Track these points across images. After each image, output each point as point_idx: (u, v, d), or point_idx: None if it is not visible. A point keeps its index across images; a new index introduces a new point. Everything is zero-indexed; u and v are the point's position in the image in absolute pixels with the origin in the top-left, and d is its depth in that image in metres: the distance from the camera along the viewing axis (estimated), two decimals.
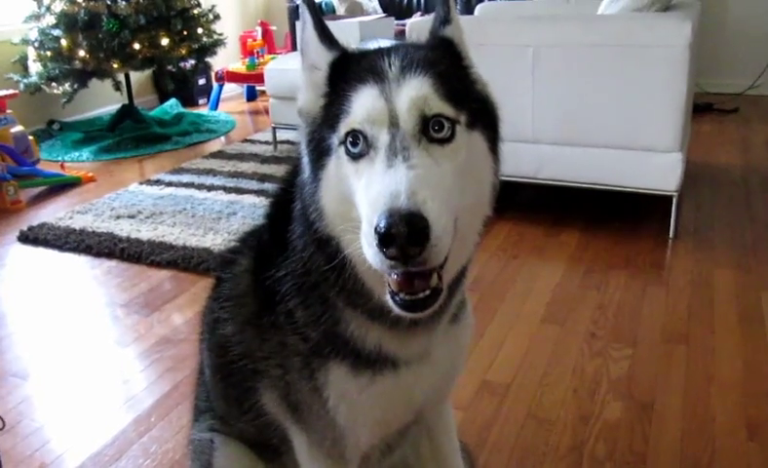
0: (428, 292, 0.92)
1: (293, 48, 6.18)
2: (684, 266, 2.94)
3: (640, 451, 1.88)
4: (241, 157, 4.76)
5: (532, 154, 3.26)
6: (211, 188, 4.09)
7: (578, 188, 3.31)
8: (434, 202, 0.86)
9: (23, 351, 2.56)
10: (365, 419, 1.16)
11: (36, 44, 5.02)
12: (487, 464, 1.85)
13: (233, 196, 3.94)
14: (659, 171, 3.08)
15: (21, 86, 5.04)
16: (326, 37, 1.06)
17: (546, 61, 3.10)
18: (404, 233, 0.82)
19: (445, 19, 1.07)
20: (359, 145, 0.94)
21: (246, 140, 5.26)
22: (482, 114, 1.03)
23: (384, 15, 5.71)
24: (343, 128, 0.96)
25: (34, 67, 5.08)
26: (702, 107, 5.27)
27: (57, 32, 4.94)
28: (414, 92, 0.94)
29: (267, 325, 1.18)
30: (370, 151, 0.94)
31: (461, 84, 1.02)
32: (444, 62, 1.02)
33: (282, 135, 5.03)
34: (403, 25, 5.65)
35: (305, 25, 1.07)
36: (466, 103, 0.98)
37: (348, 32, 4.84)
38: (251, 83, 6.40)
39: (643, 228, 3.33)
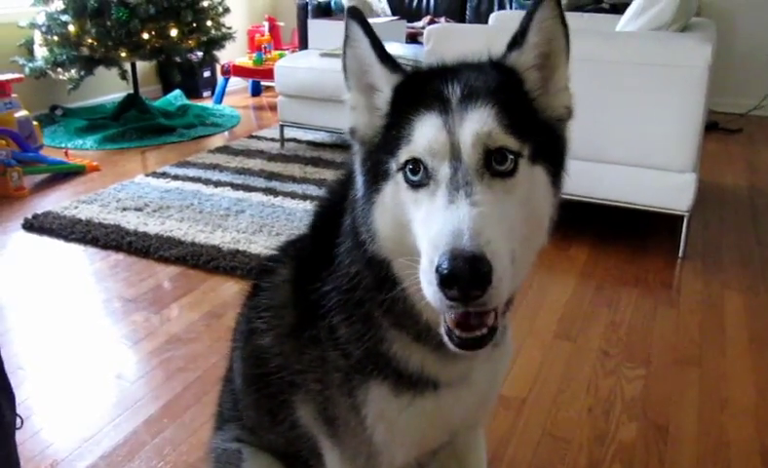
0: (485, 331, 0.92)
1: (302, 45, 6.14)
2: (694, 287, 2.95)
3: None
4: (247, 153, 4.73)
5: None
6: (218, 184, 4.06)
7: (588, 204, 3.31)
8: (496, 243, 0.85)
9: (30, 344, 2.53)
10: (403, 439, 1.16)
11: (43, 28, 4.96)
12: None
13: (241, 193, 3.91)
14: (672, 190, 3.09)
15: (27, 70, 4.98)
16: (388, 59, 1.03)
17: None
18: (467, 276, 0.81)
19: (514, 43, 1.03)
20: (419, 174, 0.93)
21: (251, 136, 5.22)
22: (547, 146, 1.00)
23: (396, 17, 5.69)
24: (403, 155, 0.94)
25: (40, 52, 5.02)
26: (708, 126, 5.28)
27: (65, 18, 4.88)
28: (478, 125, 0.91)
29: (307, 338, 1.17)
30: (430, 183, 0.92)
31: (525, 114, 0.99)
32: (509, 90, 0.99)
33: (289, 133, 5.01)
34: (414, 28, 5.66)
35: (357, 43, 1.03)
36: (530, 135, 0.96)
37: None
38: (258, 78, 6.37)
39: (652, 246, 3.34)
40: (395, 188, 0.96)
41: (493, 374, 1.24)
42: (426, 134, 0.93)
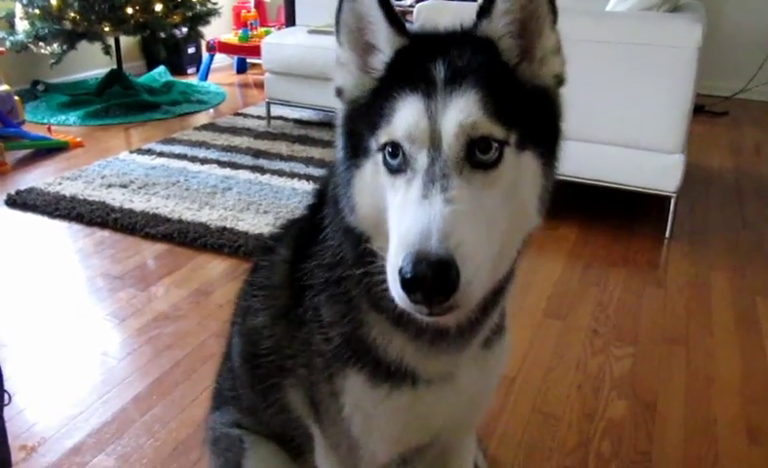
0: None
1: (289, 22, 6.07)
2: (680, 267, 2.97)
3: (645, 451, 1.90)
4: (233, 131, 4.67)
5: None
6: (204, 161, 4.02)
7: (577, 183, 3.31)
8: (467, 245, 0.80)
9: (14, 322, 2.49)
10: (380, 434, 1.12)
11: (25, 1, 4.85)
12: (496, 455, 1.86)
13: (227, 171, 3.87)
14: (660, 171, 3.10)
15: (7, 44, 4.87)
16: (396, 19, 0.96)
17: None
18: (430, 282, 0.77)
19: (482, 11, 0.94)
20: (397, 159, 0.88)
21: (237, 114, 5.17)
22: (536, 126, 0.92)
23: None
24: (383, 136, 0.89)
25: (21, 25, 4.91)
26: (694, 109, 5.30)
27: None
28: (462, 115, 0.85)
29: (296, 320, 1.15)
30: (408, 170, 0.87)
31: (511, 94, 0.92)
32: (493, 68, 0.91)
33: (275, 110, 4.96)
34: (401, 6, 5.61)
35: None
36: (517, 119, 0.89)
37: None
38: (244, 55, 6.30)
39: (639, 226, 3.35)
40: (374, 168, 0.92)
41: (481, 380, 1.15)
42: (407, 117, 0.87)
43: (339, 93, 1.01)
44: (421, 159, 0.85)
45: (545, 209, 0.96)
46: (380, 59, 0.97)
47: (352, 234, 0.99)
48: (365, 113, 0.95)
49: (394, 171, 0.88)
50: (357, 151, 0.95)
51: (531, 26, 0.94)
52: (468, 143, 0.85)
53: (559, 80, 0.98)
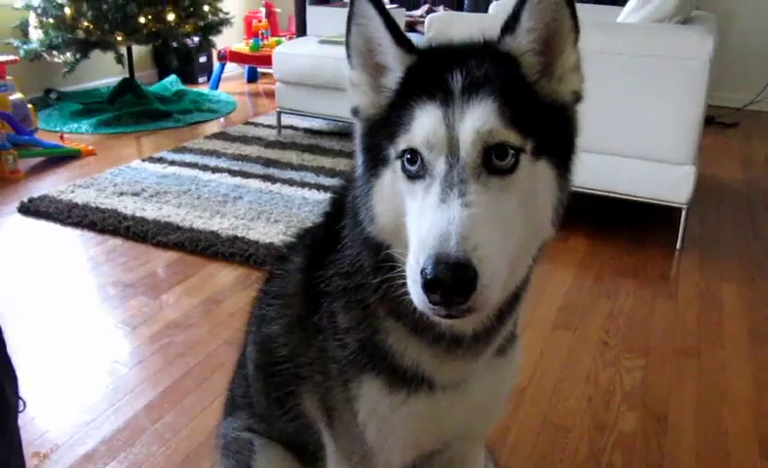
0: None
1: (300, 32, 6.11)
2: (692, 279, 2.96)
3: (657, 464, 1.90)
4: (244, 140, 4.70)
5: None
6: (215, 170, 4.04)
7: (587, 194, 3.31)
8: (485, 247, 0.82)
9: (27, 329, 2.51)
10: (396, 440, 1.12)
11: (39, 10, 4.90)
12: (507, 466, 1.86)
13: (238, 179, 3.89)
14: (671, 182, 3.10)
15: (21, 52, 4.93)
16: (403, 39, 0.98)
17: None
18: (450, 283, 0.80)
19: (507, 28, 0.96)
20: (416, 165, 0.90)
21: (248, 123, 5.19)
22: (552, 137, 0.94)
23: (395, 5, 5.66)
24: (402, 143, 0.91)
25: (35, 34, 4.96)
26: (704, 120, 5.30)
27: (60, 0, 4.83)
28: (480, 122, 0.87)
29: (312, 328, 1.16)
30: (426, 176, 0.89)
31: (528, 105, 0.94)
32: (512, 80, 0.94)
33: (286, 119, 4.98)
34: (412, 17, 5.64)
35: (366, 21, 0.98)
36: (533, 128, 0.91)
37: None
38: (255, 64, 6.34)
39: (650, 237, 3.34)
40: (393, 176, 0.94)
41: (494, 387, 1.17)
42: (425, 125, 0.89)
43: (355, 112, 1.04)
44: (439, 165, 0.88)
45: (559, 221, 0.98)
46: (392, 79, 0.99)
47: (371, 244, 1.01)
48: (383, 126, 0.97)
49: (413, 177, 0.90)
50: (376, 162, 0.97)
51: (553, 44, 0.96)
52: (485, 150, 0.87)
53: (577, 97, 1.00)
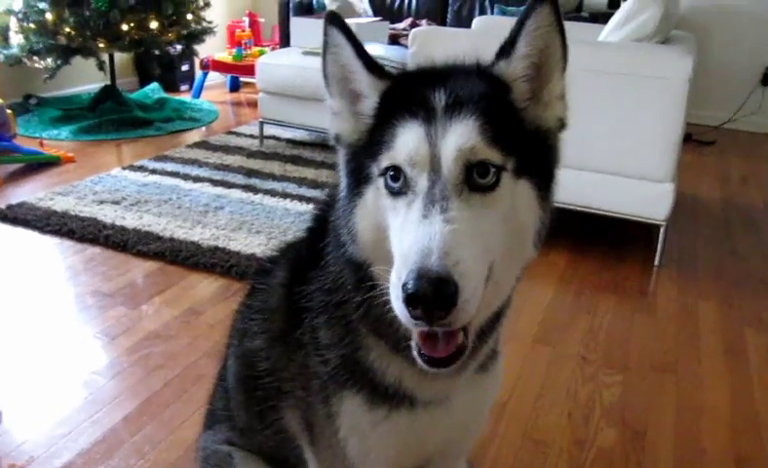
0: (452, 350, 0.90)
1: (283, 42, 6.10)
2: (669, 295, 3.00)
3: None
4: (226, 149, 4.68)
5: None
6: (196, 179, 4.02)
7: (567, 210, 3.34)
8: (466, 263, 0.83)
9: (2, 338, 2.47)
10: (377, 456, 1.13)
11: (20, 15, 4.85)
12: None
13: (220, 189, 3.87)
14: (650, 200, 3.14)
15: (1, 57, 4.87)
16: (375, 66, 1.01)
17: None
18: (431, 298, 0.80)
19: (502, 52, 0.99)
20: (399, 182, 0.91)
21: (230, 132, 5.17)
22: (534, 159, 0.96)
23: (378, 18, 5.69)
24: (384, 161, 0.93)
25: (16, 39, 4.90)
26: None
27: (42, 5, 4.77)
28: (461, 139, 0.89)
29: (294, 343, 1.16)
30: (409, 192, 0.90)
31: (511, 126, 0.96)
32: (495, 101, 0.95)
33: (269, 130, 4.97)
34: (395, 30, 5.67)
35: (339, 50, 1.00)
36: (515, 148, 0.92)
37: None
38: (237, 74, 6.32)
39: (629, 254, 3.38)
40: (376, 193, 0.95)
41: (476, 404, 1.19)
42: (407, 142, 0.90)
43: (338, 140, 1.05)
44: (421, 182, 0.89)
45: (540, 243, 1.00)
46: (368, 105, 1.00)
47: (352, 262, 1.01)
48: (365, 148, 0.99)
49: (395, 193, 0.92)
50: (359, 182, 0.98)
51: (543, 71, 0.98)
52: (466, 167, 0.88)
53: (562, 124, 1.02)
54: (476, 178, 0.89)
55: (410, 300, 0.81)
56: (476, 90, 0.94)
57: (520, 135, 0.96)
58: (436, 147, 0.89)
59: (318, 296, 1.11)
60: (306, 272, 1.14)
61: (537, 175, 0.96)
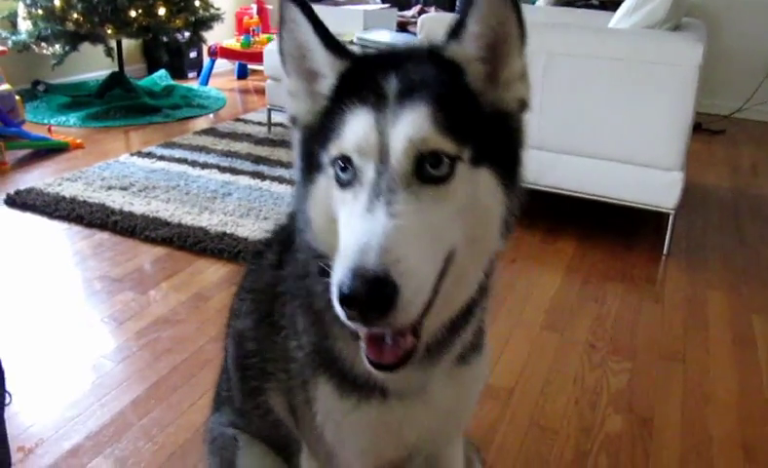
0: (399, 354, 0.85)
1: None
2: (678, 284, 2.99)
3: (642, 467, 1.91)
4: (234, 136, 4.68)
5: (535, 160, 3.25)
6: (204, 166, 4.02)
7: (575, 198, 3.33)
8: (409, 261, 0.78)
9: (12, 322, 2.49)
10: (352, 445, 1.10)
11: (28, 1, 4.86)
12: (494, 466, 1.86)
13: (228, 176, 3.88)
14: (659, 188, 3.12)
15: (9, 43, 4.88)
16: (333, 44, 0.96)
17: (557, 69, 3.10)
18: (365, 299, 0.76)
19: (453, 34, 0.93)
20: (348, 172, 0.87)
21: (238, 119, 5.17)
22: (495, 145, 0.91)
23: (387, 5, 5.66)
24: (333, 149, 0.89)
25: (24, 25, 4.92)
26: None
27: None
28: (412, 129, 0.84)
29: (277, 325, 1.15)
30: (356, 183, 0.86)
31: (467, 112, 0.90)
32: (449, 86, 0.90)
33: (276, 117, 4.97)
34: (404, 17, 5.65)
35: (295, 26, 0.95)
36: (472, 135, 0.87)
37: (352, 20, 4.79)
38: (246, 61, 6.31)
39: (637, 242, 3.37)
40: (327, 182, 0.91)
41: (458, 396, 1.13)
42: (356, 130, 0.86)
43: (294, 121, 1.01)
44: (368, 172, 0.84)
45: (510, 231, 0.95)
46: (325, 85, 0.97)
47: (313, 250, 0.98)
48: (318, 133, 0.95)
49: (344, 184, 0.87)
50: (311, 169, 0.95)
51: (499, 51, 0.93)
52: (417, 158, 0.84)
53: (523, 105, 0.97)
54: (428, 170, 0.84)
55: (345, 301, 0.77)
56: (428, 74, 0.90)
57: (478, 120, 0.91)
58: (385, 136, 0.84)
59: (291, 282, 1.10)
60: (288, 255, 1.13)
61: (499, 161, 0.90)
